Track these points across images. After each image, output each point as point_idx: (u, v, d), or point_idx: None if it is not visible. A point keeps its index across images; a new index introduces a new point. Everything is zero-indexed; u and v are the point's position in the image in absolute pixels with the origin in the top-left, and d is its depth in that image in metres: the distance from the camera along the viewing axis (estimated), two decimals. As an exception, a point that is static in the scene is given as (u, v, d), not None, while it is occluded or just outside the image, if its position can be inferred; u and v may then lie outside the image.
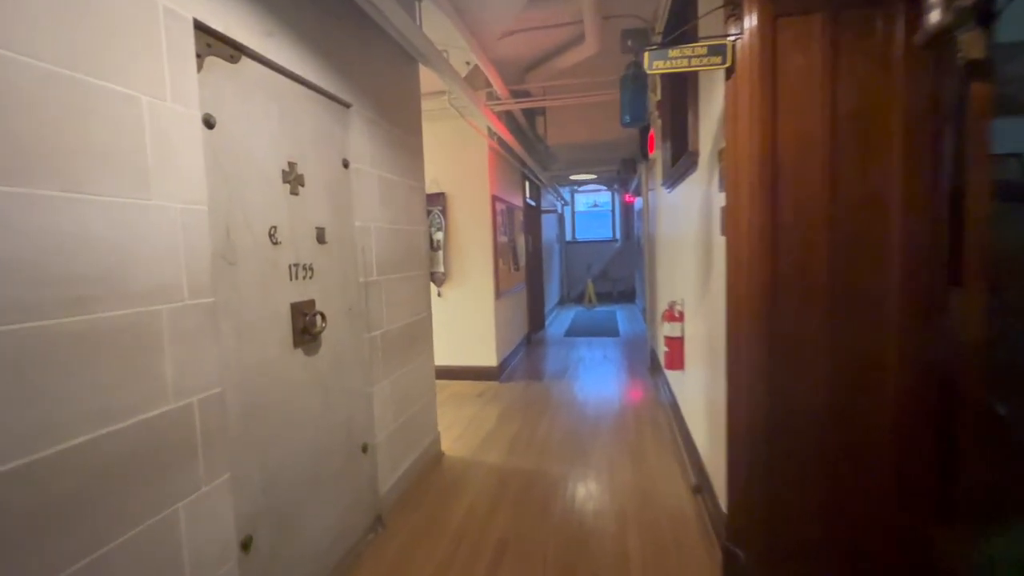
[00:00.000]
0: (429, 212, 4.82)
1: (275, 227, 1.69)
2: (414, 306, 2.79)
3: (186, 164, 1.30)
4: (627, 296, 10.86)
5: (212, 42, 1.44)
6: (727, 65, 1.61)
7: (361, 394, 2.23)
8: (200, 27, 1.37)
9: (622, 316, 8.86)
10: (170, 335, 1.24)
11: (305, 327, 1.81)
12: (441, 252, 4.84)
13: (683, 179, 2.92)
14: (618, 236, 11.62)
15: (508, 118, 5.10)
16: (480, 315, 4.82)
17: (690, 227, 2.72)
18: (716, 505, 2.18)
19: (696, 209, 2.52)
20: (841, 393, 1.56)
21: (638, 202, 8.26)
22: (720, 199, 1.95)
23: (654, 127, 4.26)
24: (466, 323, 4.85)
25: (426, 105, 4.60)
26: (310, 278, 1.88)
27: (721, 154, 1.91)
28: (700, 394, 2.56)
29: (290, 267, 1.77)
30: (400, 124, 2.64)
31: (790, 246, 1.56)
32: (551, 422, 3.64)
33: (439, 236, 4.84)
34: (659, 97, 3.82)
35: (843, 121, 1.50)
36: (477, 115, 4.15)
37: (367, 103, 2.29)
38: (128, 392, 1.12)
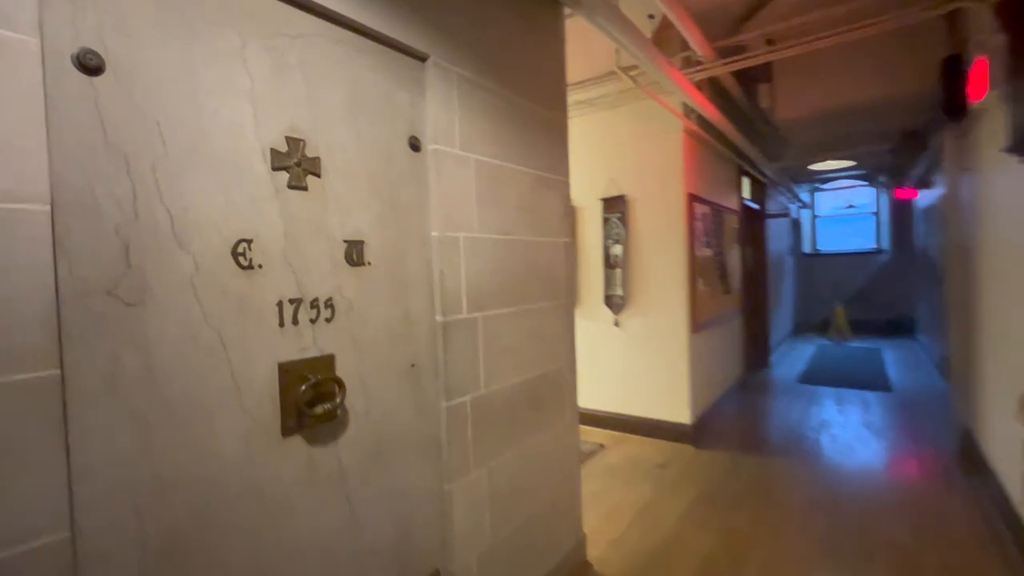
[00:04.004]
0: (606, 221, 3.89)
1: (248, 241, 1.04)
2: (541, 352, 1.91)
3: (-4, 129, 0.72)
4: (899, 328, 7.85)
5: (102, -71, 0.85)
6: None
7: (428, 496, 1.45)
8: None
9: (893, 358, 6.29)
10: (-92, 450, 0.64)
11: (299, 404, 1.11)
12: (619, 271, 3.84)
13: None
14: (885, 245, 8.60)
15: (714, 90, 3.83)
16: (669, 354, 3.64)
17: None
18: None
19: None
20: None
21: (925, 196, 5.75)
22: None
23: (980, 54, 2.51)
24: (650, 363, 3.72)
25: (598, 91, 3.72)
26: (327, 320, 1.19)
27: None
28: None
29: (281, 305, 1.10)
30: (524, 90, 1.83)
31: None
32: (775, 544, 2.29)
33: (617, 250, 3.85)
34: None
35: None
36: (669, 87, 3.07)
37: (458, 55, 1.54)
38: None
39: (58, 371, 0.78)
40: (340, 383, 1.18)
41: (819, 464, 3.15)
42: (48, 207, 0.77)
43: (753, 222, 5.65)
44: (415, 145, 1.42)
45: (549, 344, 1.96)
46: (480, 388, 1.60)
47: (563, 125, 2.09)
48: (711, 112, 3.47)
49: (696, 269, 3.70)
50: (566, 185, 2.09)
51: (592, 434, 3.82)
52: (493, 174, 1.67)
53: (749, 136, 4.40)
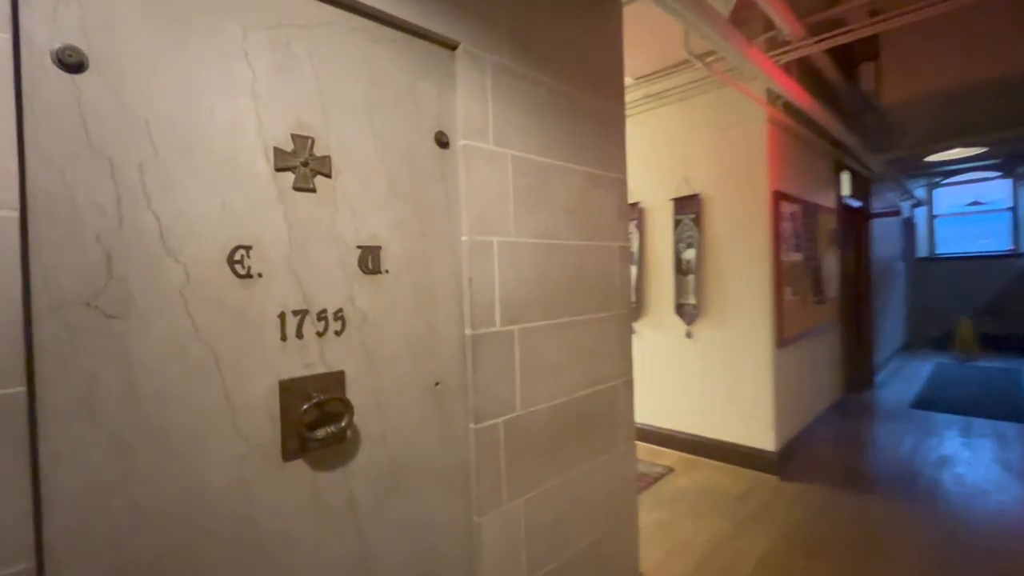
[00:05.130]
0: (677, 223, 3.57)
1: (246, 248, 0.96)
2: (590, 369, 1.71)
3: (-40, 131, 0.67)
4: (1046, 345, 6.61)
5: (86, -82, 0.80)
6: None
7: (453, 529, 1.31)
8: None
9: (1038, 382, 5.27)
10: None
11: (298, 426, 1.02)
12: (692, 277, 3.50)
13: None
14: (1023, 248, 7.30)
15: (804, 72, 3.39)
16: (750, 370, 3.25)
17: None
18: None
19: None
20: None
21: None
22: None
23: None
24: (728, 380, 3.35)
25: (666, 83, 3.41)
26: (337, 334, 1.09)
27: None
28: None
29: (283, 317, 1.01)
30: (573, 79, 1.65)
31: None
32: (874, 606, 1.90)
33: (690, 254, 3.52)
34: None
35: None
36: (750, 72, 2.74)
37: (494, 41, 1.40)
38: None
39: (23, 388, 0.72)
40: (347, 403, 1.07)
41: (938, 509, 2.63)
42: (17, 213, 0.72)
43: (854, 222, 4.99)
44: (442, 141, 1.30)
45: (600, 359, 1.75)
46: (515, 409, 1.44)
47: (620, 117, 1.88)
48: (801, 98, 3.06)
49: (783, 275, 3.28)
50: (623, 183, 1.88)
51: (660, 455, 3.50)
52: (534, 172, 1.51)
53: (848, 124, 3.86)
